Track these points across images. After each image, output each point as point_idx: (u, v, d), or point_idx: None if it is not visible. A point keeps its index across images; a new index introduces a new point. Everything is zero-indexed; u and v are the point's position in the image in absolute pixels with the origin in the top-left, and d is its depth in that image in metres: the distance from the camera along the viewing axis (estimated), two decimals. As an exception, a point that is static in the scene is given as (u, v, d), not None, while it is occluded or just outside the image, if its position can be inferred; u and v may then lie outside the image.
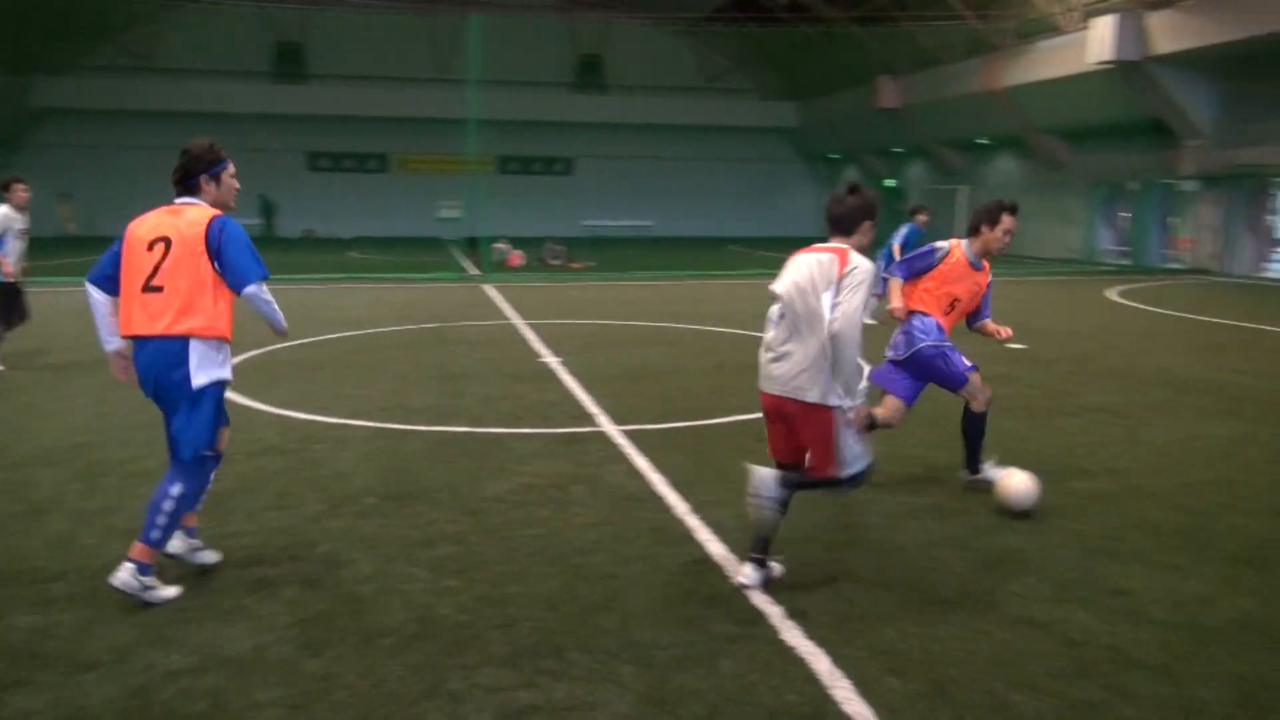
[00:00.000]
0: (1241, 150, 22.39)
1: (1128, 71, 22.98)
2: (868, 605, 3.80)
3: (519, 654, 3.37)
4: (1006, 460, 5.37)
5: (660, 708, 3.03)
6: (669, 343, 10.90)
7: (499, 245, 23.34)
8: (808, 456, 4.00)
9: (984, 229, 5.30)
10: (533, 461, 5.85)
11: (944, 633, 3.56)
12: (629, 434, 6.50)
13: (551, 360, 9.49)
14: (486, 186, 29.43)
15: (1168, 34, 21.79)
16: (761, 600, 3.82)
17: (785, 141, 43.88)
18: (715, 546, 4.41)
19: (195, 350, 3.73)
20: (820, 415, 3.82)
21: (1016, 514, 4.86)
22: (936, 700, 3.07)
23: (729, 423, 6.91)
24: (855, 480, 3.95)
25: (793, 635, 3.52)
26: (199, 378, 3.75)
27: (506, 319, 12.87)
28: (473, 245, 23.25)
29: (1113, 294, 17.96)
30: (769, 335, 3.99)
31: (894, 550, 4.43)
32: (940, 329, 5.28)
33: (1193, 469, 5.88)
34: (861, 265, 3.82)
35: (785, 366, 3.87)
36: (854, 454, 3.89)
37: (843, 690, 3.12)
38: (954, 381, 5.28)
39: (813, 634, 3.52)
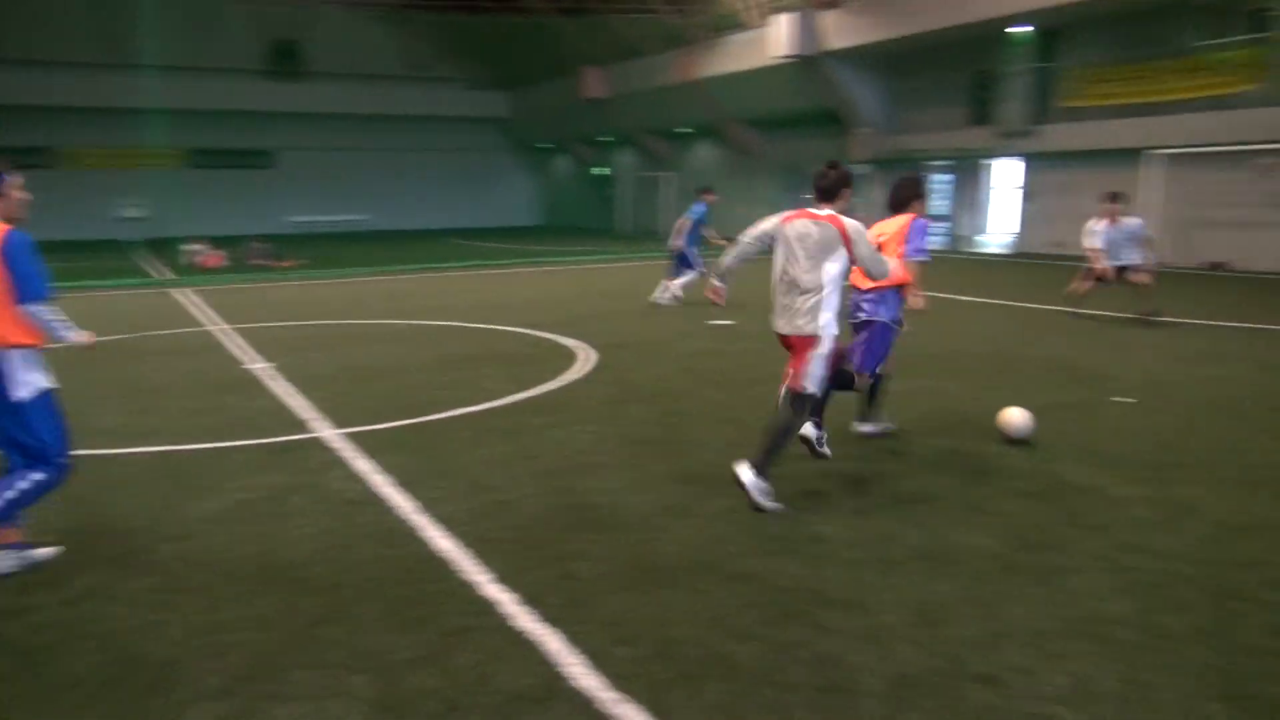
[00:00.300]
0: (903, 137, 25.20)
1: (806, 65, 25.09)
2: (597, 581, 3.93)
3: (234, 682, 3.16)
4: (710, 426, 5.72)
5: (395, 713, 2.97)
6: (389, 339, 10.59)
7: (193, 246, 21.52)
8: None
9: (916, 204, 6.13)
10: (245, 475, 5.48)
11: (668, 597, 3.75)
12: (349, 437, 6.26)
13: (261, 366, 8.91)
14: (175, 182, 26.94)
15: (837, 31, 24.02)
16: (493, 590, 3.83)
17: (497, 131, 43.80)
18: (444, 543, 4.37)
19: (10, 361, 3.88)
20: (809, 342, 4.85)
21: (1015, 442, 5.80)
22: (663, 661, 3.24)
23: (454, 416, 6.84)
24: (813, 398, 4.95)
25: (525, 620, 3.57)
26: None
27: (206, 325, 11.90)
28: (158, 246, 21.21)
29: (805, 269, 19.58)
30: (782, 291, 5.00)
31: (621, 526, 4.59)
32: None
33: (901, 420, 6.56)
34: (852, 223, 4.87)
35: (796, 312, 4.88)
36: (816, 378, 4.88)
37: (575, 666, 3.21)
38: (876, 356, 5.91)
39: (545, 616, 3.59)
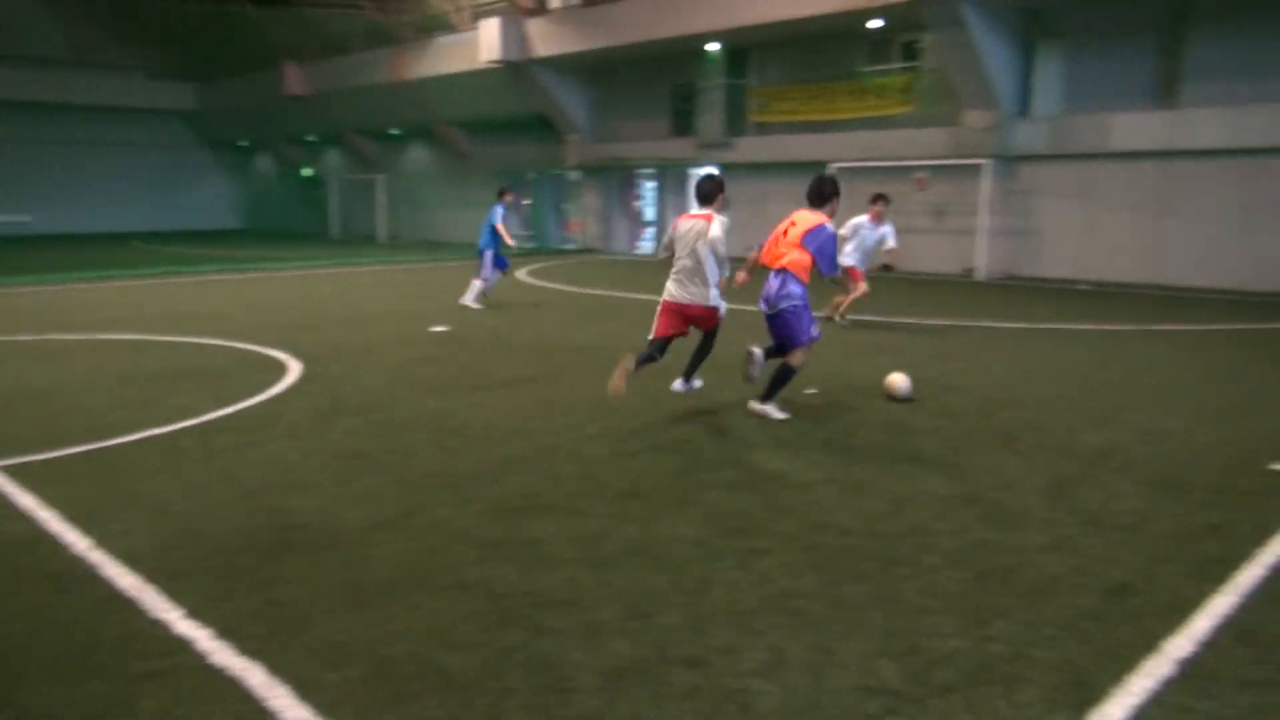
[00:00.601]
0: (610, 145, 26.09)
1: (515, 71, 25.31)
2: (304, 605, 3.72)
3: None
4: (426, 435, 5.62)
5: (65, 776, 2.65)
6: (56, 357, 9.42)
7: None
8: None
9: (834, 201, 7.00)
10: None
11: (381, 614, 3.63)
12: (7, 470, 5.50)
13: (-111, 393, 7.61)
14: None
15: (543, 39, 24.44)
16: (186, 627, 3.52)
17: (186, 126, 40.40)
18: (127, 580, 3.95)
19: None
20: (710, 311, 6.89)
21: (902, 400, 7.25)
22: (376, 682, 3.13)
23: (140, 440, 6.21)
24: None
25: (224, 655, 3.31)
26: None
27: None
28: None
29: (523, 275, 19.74)
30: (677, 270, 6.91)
31: (330, 545, 4.38)
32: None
33: (589, 422, 6.75)
34: (719, 220, 6.80)
35: (688, 289, 6.88)
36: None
37: (280, 698, 3.02)
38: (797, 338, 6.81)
39: (246, 648, 3.35)
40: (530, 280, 18.54)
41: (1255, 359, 9.46)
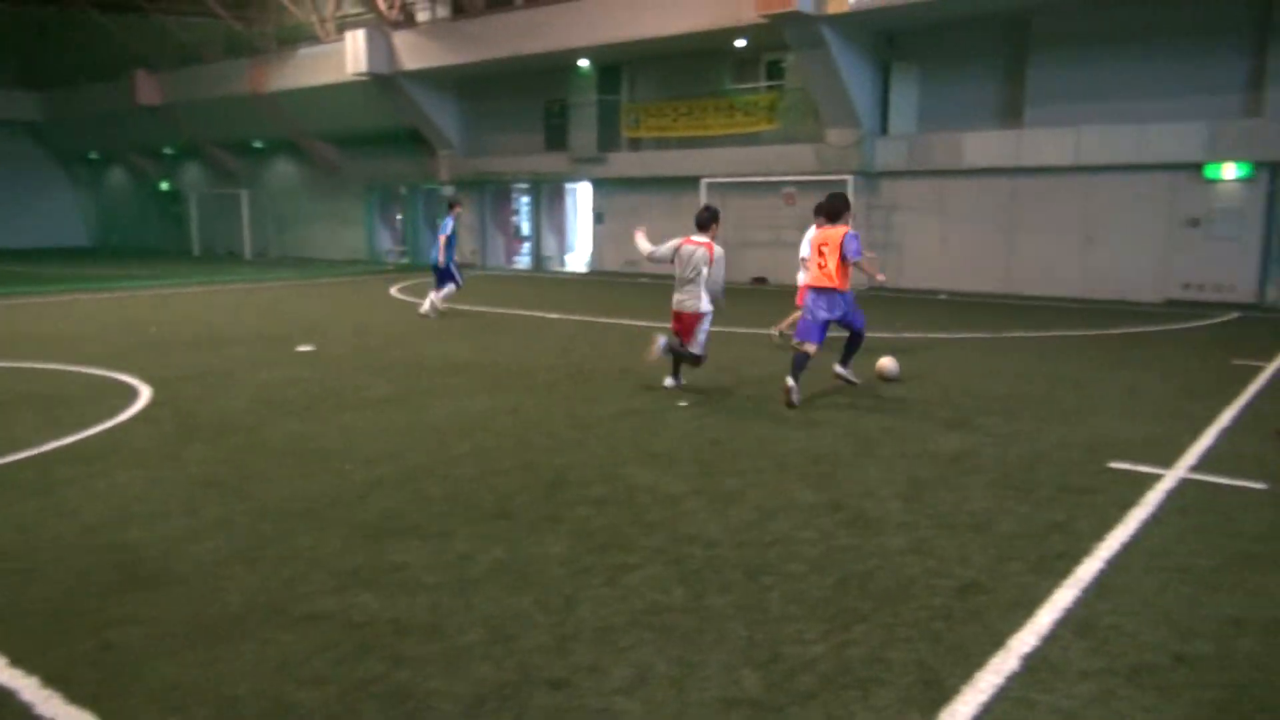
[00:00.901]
0: (484, 159, 25.86)
1: (383, 84, 24.82)
2: (145, 647, 3.50)
3: None
4: (285, 460, 5.40)
5: None
6: (-127, 387, 8.66)
7: None
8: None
9: (847, 214, 8.13)
10: None
11: (229, 652, 3.45)
12: None
13: None
14: None
15: (411, 52, 24.07)
16: (8, 677, 3.26)
17: (29, 137, 37.96)
18: (-57, 628, 3.63)
19: None
20: (696, 316, 8.17)
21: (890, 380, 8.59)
22: (221, 725, 2.97)
23: (-36, 475, 5.75)
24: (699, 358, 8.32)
25: (51, 705, 3.08)
26: None
27: None
28: None
29: (395, 291, 19.32)
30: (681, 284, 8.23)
31: (177, 580, 4.14)
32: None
33: (458, 441, 6.62)
34: (719, 250, 8.20)
35: (686, 298, 8.19)
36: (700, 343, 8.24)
37: (113, 749, 2.83)
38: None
39: (76, 696, 3.12)
40: (403, 297, 18.15)
41: (1094, 364, 10.06)
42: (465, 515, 5.01)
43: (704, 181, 20.95)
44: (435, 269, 14.49)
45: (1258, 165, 15.58)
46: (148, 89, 31.21)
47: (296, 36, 27.67)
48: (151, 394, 8.26)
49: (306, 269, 26.33)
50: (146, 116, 31.91)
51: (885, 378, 8.83)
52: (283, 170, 32.84)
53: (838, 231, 7.94)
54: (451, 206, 14.61)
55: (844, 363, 8.61)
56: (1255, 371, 9.38)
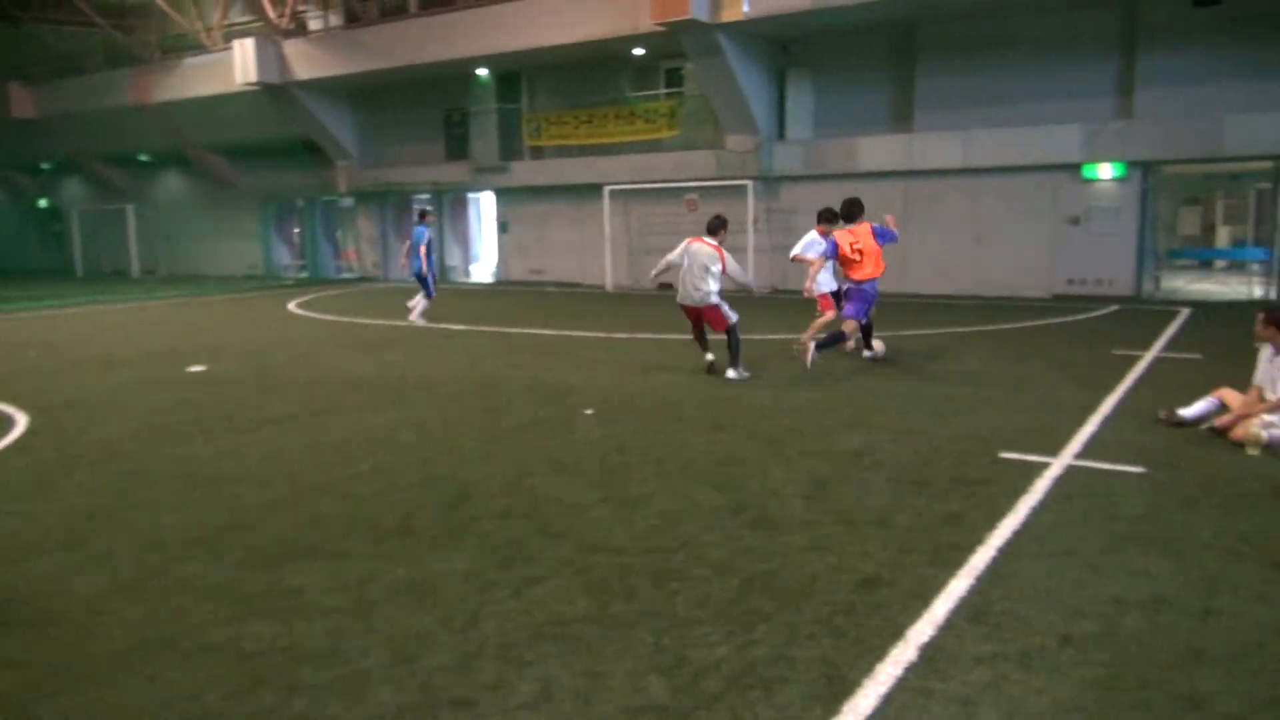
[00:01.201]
0: (383, 170, 25.39)
1: (275, 94, 24.15)
2: (20, 691, 3.30)
3: None
4: (173, 486, 5.19)
5: None
6: None
7: None
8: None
9: (861, 216, 9.50)
10: None
11: (112, 691, 3.28)
12: None
13: None
14: None
15: (303, 62, 23.49)
16: None
17: (-111, 153, 35.67)
18: None
19: None
20: (711, 308, 9.23)
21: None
22: (102, 769, 2.82)
23: None
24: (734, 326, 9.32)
25: (-88, 761, 2.88)
26: None
27: None
28: None
29: (293, 306, 18.79)
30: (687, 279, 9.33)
31: (55, 618, 3.93)
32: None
33: (359, 459, 6.46)
34: (726, 254, 9.24)
35: (694, 292, 9.21)
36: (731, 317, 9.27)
37: (-19, 803, 2.66)
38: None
39: (-60, 750, 2.92)
40: (300, 311, 17.66)
41: (985, 358, 10.42)
42: (365, 534, 4.89)
43: (607, 189, 20.99)
44: (419, 278, 15.11)
45: (1131, 165, 16.40)
46: (22, 101, 29.71)
47: (181, 45, 26.70)
48: (28, 422, 7.84)
49: (199, 286, 25.43)
50: (21, 129, 30.36)
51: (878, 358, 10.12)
52: (172, 184, 31.66)
53: (864, 228, 9.41)
54: (423, 216, 15.23)
55: (868, 345, 10.17)
56: (1134, 361, 9.85)
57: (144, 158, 30.95)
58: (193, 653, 3.56)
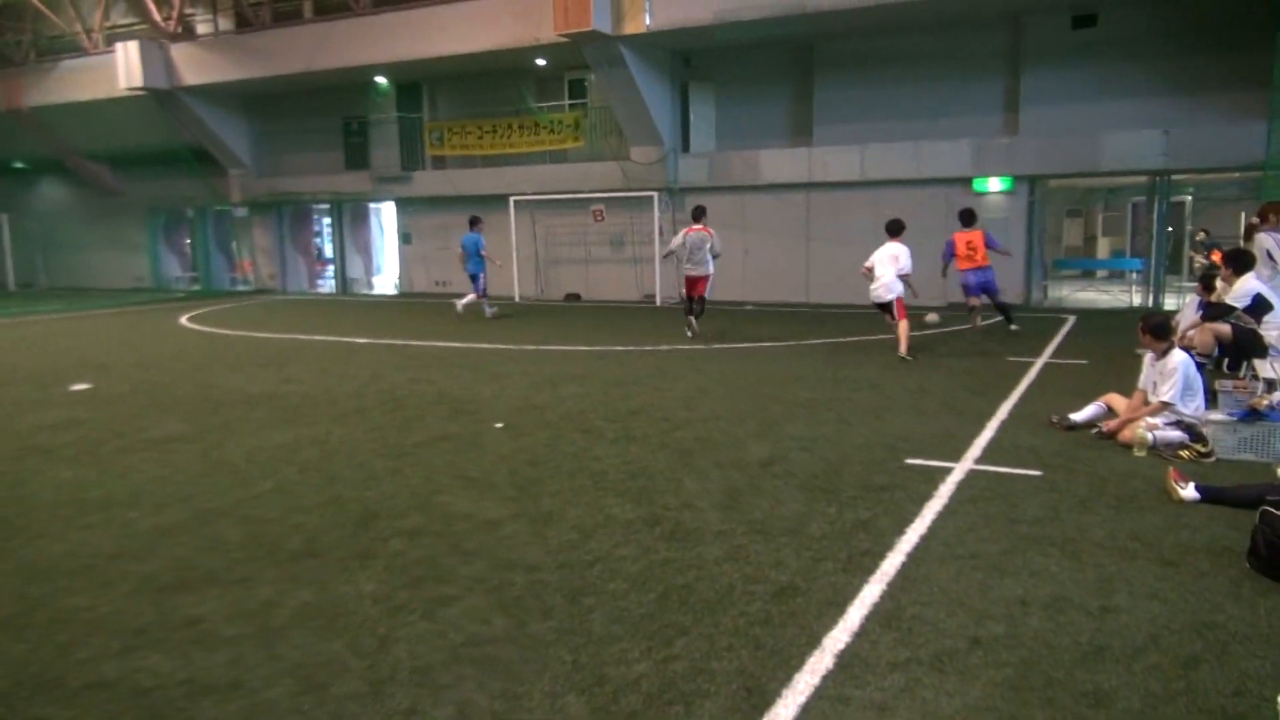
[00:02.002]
0: (279, 179, 24.66)
1: (162, 99, 23.23)
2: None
3: None
4: (58, 512, 4.89)
5: None
6: None
7: None
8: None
9: (977, 222, 12.91)
10: None
11: (-8, 737, 3.06)
12: None
13: None
14: None
15: (192, 67, 22.66)
16: None
17: None
18: None
19: None
20: (707, 276, 12.95)
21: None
22: (-19, 823, 2.62)
23: None
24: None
25: None
26: None
27: None
28: None
29: (185, 320, 18.06)
30: (689, 261, 12.78)
31: (-77, 659, 3.65)
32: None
33: (260, 479, 6.22)
34: (715, 235, 12.86)
35: (696, 268, 12.85)
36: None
37: None
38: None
39: None
40: (192, 325, 16.98)
41: (886, 366, 10.69)
42: (268, 558, 4.70)
43: (512, 199, 20.84)
44: (472, 276, 16.77)
45: (1017, 178, 17.11)
46: (-123, 103, 27.84)
47: (59, 48, 25.44)
48: (-108, 447, 7.31)
49: (82, 299, 24.20)
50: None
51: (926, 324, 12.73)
52: (50, 193, 30.08)
53: (977, 234, 12.64)
54: (476, 223, 16.98)
55: (1009, 320, 13.17)
56: (1027, 367, 10.25)
57: (18, 164, 29.36)
58: (81, 690, 3.35)
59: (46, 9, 24.64)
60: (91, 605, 4.14)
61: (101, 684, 3.41)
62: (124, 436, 7.65)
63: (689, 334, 13.01)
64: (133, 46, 22.23)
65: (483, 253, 16.62)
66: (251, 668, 3.51)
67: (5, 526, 5.31)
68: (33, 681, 3.44)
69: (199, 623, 3.93)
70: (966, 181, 17.36)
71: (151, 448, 7.23)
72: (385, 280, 25.87)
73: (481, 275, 16.73)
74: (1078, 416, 7.16)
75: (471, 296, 16.88)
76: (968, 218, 13.02)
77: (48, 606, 4.13)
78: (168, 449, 7.18)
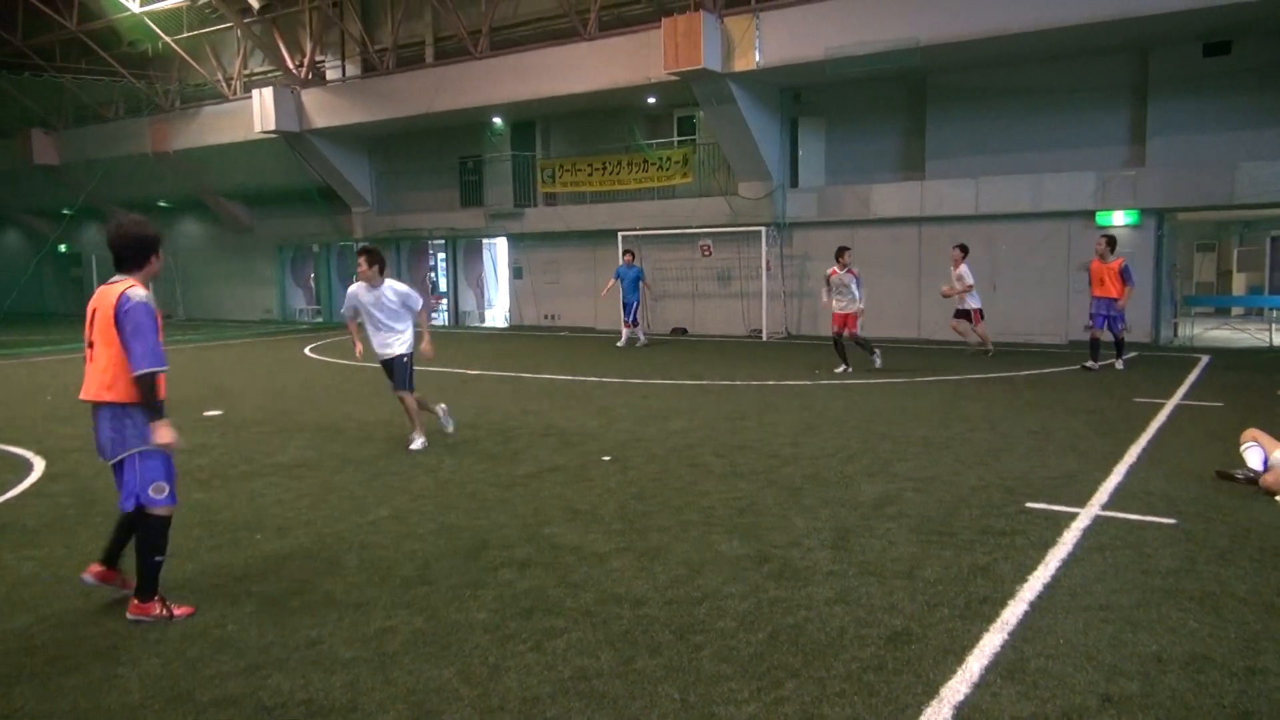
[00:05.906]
0: (399, 216, 25.62)
1: (293, 141, 24.48)
2: (31, 745, 3.23)
3: None
4: (198, 533, 5.13)
5: None
6: None
7: None
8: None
9: (1110, 254, 12.93)
10: None
11: (127, 747, 3.21)
12: None
13: None
14: None
15: (320, 110, 23.82)
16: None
17: (-87, 200, 36.17)
18: None
19: None
20: (856, 315, 13.53)
21: None
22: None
23: None
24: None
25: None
26: None
27: None
28: None
29: (308, 350, 18.85)
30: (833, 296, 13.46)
31: (68, 669, 3.86)
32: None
33: (375, 505, 6.40)
34: (858, 273, 13.76)
35: (847, 304, 13.43)
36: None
37: None
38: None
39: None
40: (314, 356, 17.70)
41: (1005, 405, 10.32)
42: (383, 583, 4.82)
43: (620, 234, 21.10)
44: (626, 305, 18.12)
45: (1144, 212, 16.39)
46: (44, 148, 30.20)
47: (201, 95, 27.16)
48: (44, 467, 7.82)
49: (216, 330, 25.56)
50: (43, 176, 30.83)
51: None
52: (190, 230, 32.00)
53: (1113, 265, 12.76)
54: (628, 254, 18.26)
55: (1120, 355, 13.37)
56: (1156, 408, 9.74)
57: (163, 204, 31.33)
58: (210, 706, 3.49)
59: (191, 59, 26.37)
60: (218, 623, 4.31)
61: (228, 700, 3.54)
62: (251, 461, 8.00)
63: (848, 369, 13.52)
64: (268, 92, 23.55)
65: (644, 283, 18.23)
66: (367, 691, 3.59)
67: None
68: (165, 695, 3.60)
69: (318, 644, 4.05)
70: (1089, 215, 16.73)
71: (277, 473, 7.54)
72: (496, 313, 26.47)
73: (634, 305, 18.01)
74: (1255, 465, 6.41)
75: (636, 329, 18.26)
76: (1107, 245, 13.08)
77: (180, 623, 4.33)
78: (292, 474, 7.47)
